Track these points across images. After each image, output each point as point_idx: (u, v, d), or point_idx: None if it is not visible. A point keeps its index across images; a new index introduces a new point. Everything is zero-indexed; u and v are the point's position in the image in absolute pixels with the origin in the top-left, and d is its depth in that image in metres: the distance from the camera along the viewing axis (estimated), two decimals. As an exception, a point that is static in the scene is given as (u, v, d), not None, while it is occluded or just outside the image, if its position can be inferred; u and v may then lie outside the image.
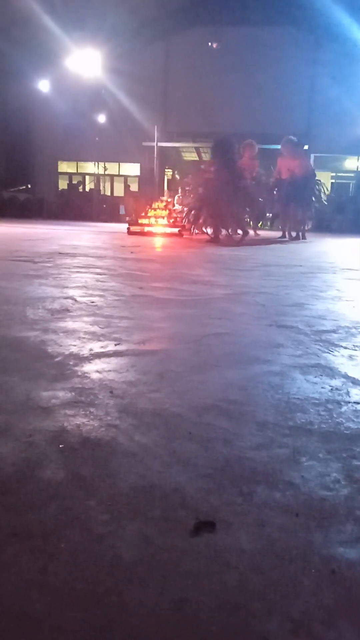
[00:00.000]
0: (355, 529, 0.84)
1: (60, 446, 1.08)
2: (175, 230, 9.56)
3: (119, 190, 21.64)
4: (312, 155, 19.75)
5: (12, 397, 1.33)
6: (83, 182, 20.20)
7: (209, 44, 19.77)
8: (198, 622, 0.64)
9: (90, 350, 1.79)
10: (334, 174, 21.18)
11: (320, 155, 19.98)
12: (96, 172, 18.88)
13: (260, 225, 17.07)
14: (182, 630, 0.63)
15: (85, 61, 17.48)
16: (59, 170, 22.03)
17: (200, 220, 8.60)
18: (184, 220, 9.22)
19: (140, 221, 10.09)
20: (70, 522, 0.82)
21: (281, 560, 0.76)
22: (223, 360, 1.76)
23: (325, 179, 20.62)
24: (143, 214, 10.36)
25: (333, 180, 20.38)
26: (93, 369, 1.59)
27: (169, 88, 20.47)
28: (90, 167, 20.10)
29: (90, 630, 0.62)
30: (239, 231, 8.76)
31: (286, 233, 10.64)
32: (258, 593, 0.69)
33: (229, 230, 8.74)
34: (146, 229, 9.73)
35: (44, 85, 18.45)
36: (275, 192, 10.07)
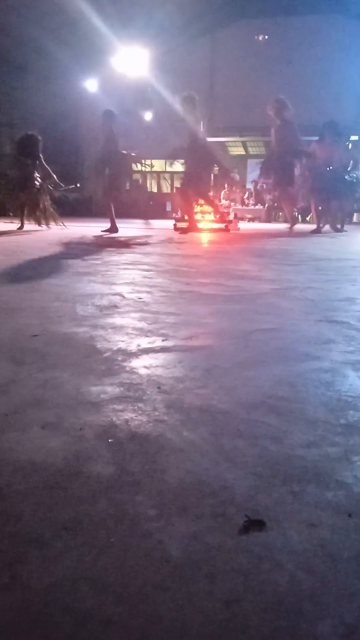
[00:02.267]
0: None
1: (110, 441, 1.08)
2: (222, 225, 9.51)
3: (166, 187, 21.74)
4: (362, 147, 19.21)
5: (63, 392, 1.35)
6: (143, 180, 20.26)
7: (255, 36, 19.55)
8: (247, 622, 0.63)
9: (138, 345, 1.80)
10: (386, 165, 20.59)
11: (373, 146, 19.45)
12: (143, 170, 18.99)
13: (309, 219, 16.78)
14: (231, 630, 0.62)
15: (131, 60, 17.61)
16: (107, 168, 22.28)
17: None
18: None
19: (186, 217, 10.08)
20: (120, 517, 0.83)
21: (333, 561, 0.74)
22: (271, 356, 1.74)
23: (377, 169, 20.07)
24: (189, 210, 10.34)
25: (384, 171, 19.83)
26: (141, 365, 1.60)
27: (215, 83, 20.36)
28: (137, 165, 20.23)
29: (138, 626, 0.62)
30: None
31: (320, 226, 9.97)
32: (309, 595, 0.67)
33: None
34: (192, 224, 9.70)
35: (91, 85, 18.70)
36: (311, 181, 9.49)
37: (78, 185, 20.53)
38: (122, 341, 1.85)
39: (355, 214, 17.15)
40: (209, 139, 19.01)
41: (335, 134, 9.51)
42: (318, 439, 1.13)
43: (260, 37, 19.55)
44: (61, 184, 9.89)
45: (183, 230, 8.55)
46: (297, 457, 1.04)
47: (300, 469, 1.00)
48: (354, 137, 18.23)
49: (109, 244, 6.31)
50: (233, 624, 0.62)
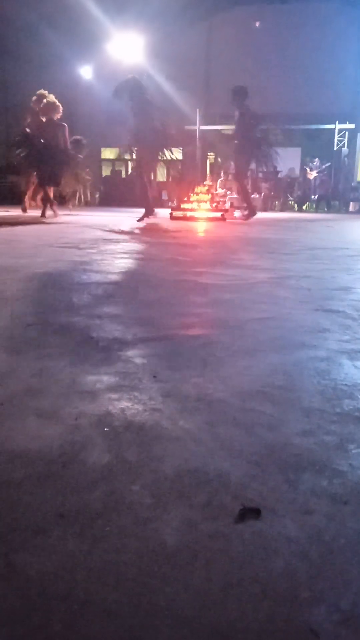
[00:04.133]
0: None
1: (105, 429, 1.08)
2: (218, 214, 9.48)
3: (162, 176, 21.62)
4: (359, 135, 19.13)
5: (59, 381, 1.35)
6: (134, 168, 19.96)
7: (252, 23, 19.36)
8: (243, 610, 0.63)
9: (134, 334, 1.80)
10: (381, 153, 20.50)
11: (368, 135, 19.37)
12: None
13: (306, 207, 16.77)
14: (227, 617, 0.62)
15: (127, 46, 17.44)
16: (102, 157, 22.13)
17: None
18: None
19: (182, 206, 10.05)
20: (116, 506, 0.83)
21: (329, 549, 0.74)
22: (267, 345, 1.74)
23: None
24: (185, 199, 10.31)
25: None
26: (137, 354, 1.59)
27: (211, 70, 20.17)
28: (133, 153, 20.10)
29: (134, 613, 0.62)
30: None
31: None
32: (305, 582, 0.67)
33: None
34: (189, 213, 9.69)
35: (86, 72, 18.52)
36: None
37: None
38: (118, 330, 1.85)
39: (351, 202, 17.13)
40: (205, 127, 18.90)
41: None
42: (314, 428, 1.13)
43: (257, 24, 19.36)
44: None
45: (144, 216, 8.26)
46: (293, 446, 1.05)
47: (296, 457, 1.00)
48: (350, 126, 18.17)
49: (106, 232, 6.28)
50: (229, 611, 0.63)
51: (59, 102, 9.05)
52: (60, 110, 8.79)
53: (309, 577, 0.68)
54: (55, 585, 0.67)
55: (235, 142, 8.74)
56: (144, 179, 8.34)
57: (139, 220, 8.03)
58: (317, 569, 0.70)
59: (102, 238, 5.51)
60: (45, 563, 0.70)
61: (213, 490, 0.88)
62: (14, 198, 11.21)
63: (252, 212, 8.39)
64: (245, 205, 9.06)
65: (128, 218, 8.78)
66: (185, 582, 0.67)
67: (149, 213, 8.27)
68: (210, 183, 13.10)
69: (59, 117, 8.78)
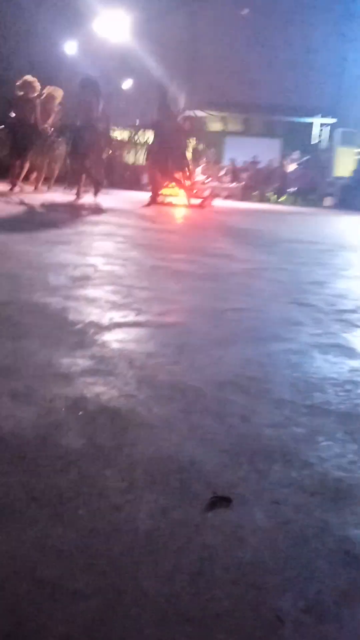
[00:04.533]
0: (371, 512, 0.84)
1: (80, 413, 1.09)
2: (198, 201, 9.45)
3: (142, 159, 21.39)
4: (340, 130, 19.23)
5: (33, 363, 1.34)
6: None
7: (238, 11, 19.21)
8: (211, 596, 0.64)
9: (111, 319, 1.79)
10: (359, 150, 20.67)
11: (348, 130, 19.48)
12: (120, 139, 18.63)
13: (282, 200, 16.83)
14: (196, 603, 0.63)
15: (112, 25, 17.11)
16: (83, 135, 21.81)
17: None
18: None
19: (162, 191, 9.98)
20: (88, 490, 0.83)
21: (296, 539, 0.76)
22: (242, 336, 1.75)
23: (350, 154, 20.09)
24: (165, 184, 10.23)
25: (358, 156, 19.90)
26: (113, 338, 1.59)
27: (196, 56, 19.98)
28: (114, 134, 19.83)
29: (104, 596, 0.63)
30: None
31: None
32: (272, 571, 0.69)
33: None
34: (168, 199, 9.63)
35: (70, 48, 18.14)
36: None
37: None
38: (95, 314, 1.84)
39: (326, 197, 17.26)
40: (188, 113, 18.75)
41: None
42: (284, 419, 1.15)
43: (244, 11, 19.21)
44: None
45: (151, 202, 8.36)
46: (264, 436, 1.07)
47: (267, 448, 1.02)
48: (331, 120, 18.24)
49: (84, 214, 6.21)
50: (198, 597, 0.64)
51: (42, 79, 9.15)
52: (37, 88, 8.88)
53: (276, 565, 0.70)
54: (26, 566, 0.67)
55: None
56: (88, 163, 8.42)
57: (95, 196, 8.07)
58: (284, 558, 0.72)
59: (80, 219, 5.45)
60: (16, 544, 0.71)
61: (185, 478, 0.89)
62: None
63: (153, 201, 8.49)
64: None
65: (109, 200, 8.67)
66: (156, 567, 0.68)
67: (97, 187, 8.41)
68: (191, 169, 13.02)
69: (35, 95, 8.84)
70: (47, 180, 9.66)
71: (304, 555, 0.73)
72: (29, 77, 8.90)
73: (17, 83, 8.87)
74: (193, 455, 0.96)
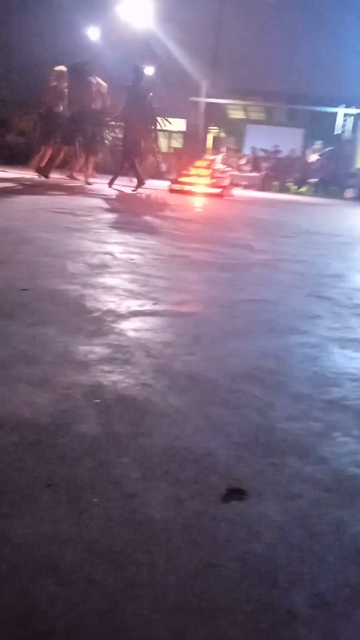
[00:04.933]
0: (386, 510, 0.84)
1: (96, 401, 1.09)
2: (217, 190, 9.40)
3: (164, 146, 21.28)
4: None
5: (51, 350, 1.35)
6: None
7: (263, -2, 18.92)
8: (224, 589, 0.65)
9: (128, 307, 1.80)
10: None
11: (372, 121, 19.16)
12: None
13: (304, 191, 16.65)
14: (208, 594, 0.64)
15: (136, 9, 16.98)
16: (106, 123, 21.76)
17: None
18: None
19: (181, 179, 9.94)
20: (104, 478, 0.84)
21: (310, 534, 0.76)
22: (259, 328, 1.75)
23: (374, 145, 19.75)
24: (185, 172, 10.19)
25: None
26: (130, 327, 1.60)
27: (221, 42, 19.74)
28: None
29: (119, 585, 0.64)
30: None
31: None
32: (285, 565, 0.69)
33: None
34: (187, 187, 9.59)
35: (93, 34, 18.04)
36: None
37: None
38: (112, 302, 1.85)
39: (348, 189, 17.03)
40: (210, 100, 18.57)
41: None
42: (301, 413, 1.15)
43: (269, -1, 18.92)
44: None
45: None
46: (280, 430, 1.06)
47: (282, 442, 1.02)
48: (355, 111, 17.95)
49: (101, 201, 6.21)
50: (210, 589, 0.64)
51: (63, 62, 9.38)
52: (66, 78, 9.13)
53: (289, 560, 0.70)
54: (41, 552, 0.68)
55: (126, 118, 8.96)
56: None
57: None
58: (297, 553, 0.72)
59: (98, 206, 5.45)
60: (31, 531, 0.71)
61: (200, 469, 0.89)
62: (12, 158, 11.14)
63: (140, 183, 8.48)
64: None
65: (127, 187, 8.67)
66: (169, 558, 0.69)
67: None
68: (212, 158, 12.93)
69: (65, 84, 9.07)
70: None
71: (318, 551, 0.72)
72: (62, 67, 9.13)
73: (51, 73, 9.12)
74: (208, 447, 0.96)
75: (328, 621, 0.62)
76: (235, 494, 0.83)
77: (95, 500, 0.78)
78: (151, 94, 9.31)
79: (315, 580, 0.67)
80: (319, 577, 0.68)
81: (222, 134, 18.55)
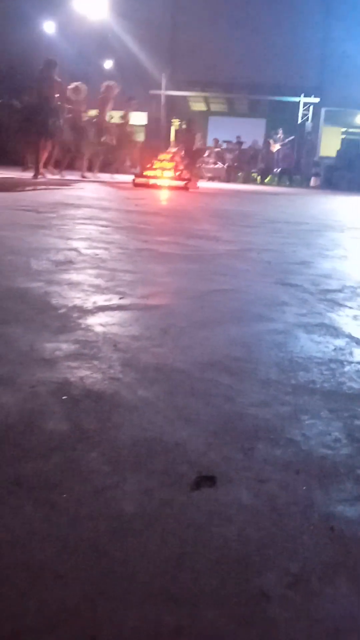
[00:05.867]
0: (355, 488, 0.85)
1: (64, 398, 1.08)
2: (181, 183, 9.40)
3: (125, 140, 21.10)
4: (323, 110, 19.14)
5: (16, 348, 1.33)
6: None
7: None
8: (197, 575, 0.65)
9: (94, 303, 1.78)
10: (344, 130, 20.60)
11: (332, 109, 19.37)
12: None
13: (268, 181, 16.76)
14: (182, 582, 0.64)
15: (92, 3, 16.79)
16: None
17: None
18: None
19: (145, 173, 9.91)
20: (73, 474, 0.83)
21: (281, 516, 0.76)
22: (227, 317, 1.75)
23: (335, 134, 20.01)
24: (149, 166, 10.15)
25: (343, 136, 19.83)
26: (97, 322, 1.58)
27: (178, 34, 19.67)
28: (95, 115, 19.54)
29: (91, 580, 0.63)
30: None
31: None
32: (257, 548, 0.70)
33: None
34: (152, 181, 9.56)
35: (49, 28, 17.78)
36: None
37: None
38: (78, 298, 1.83)
39: (312, 177, 17.22)
40: (170, 92, 18.51)
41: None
42: (269, 399, 1.15)
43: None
44: None
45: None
46: (249, 416, 1.07)
47: (252, 427, 1.02)
48: (315, 100, 18.14)
49: (65, 197, 6.13)
50: (184, 576, 0.64)
51: (21, 59, 9.99)
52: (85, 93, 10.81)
53: (261, 543, 0.71)
54: (10, 551, 0.67)
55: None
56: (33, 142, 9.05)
57: (33, 178, 8.59)
58: (268, 535, 0.72)
59: (62, 202, 5.38)
60: (0, 530, 0.70)
61: (170, 459, 0.89)
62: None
63: (36, 174, 8.96)
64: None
65: (88, 182, 8.62)
66: (141, 549, 0.68)
67: (36, 173, 9.07)
68: (174, 150, 12.90)
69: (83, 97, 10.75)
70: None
71: (289, 532, 0.73)
72: (81, 85, 10.84)
73: (70, 88, 10.65)
74: (178, 437, 0.96)
75: (302, 599, 0.63)
76: (205, 481, 0.83)
77: (65, 496, 0.77)
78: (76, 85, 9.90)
79: (287, 560, 0.68)
80: (292, 557, 0.69)
81: (185, 126, 18.51)
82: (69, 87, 10.64)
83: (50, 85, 9.24)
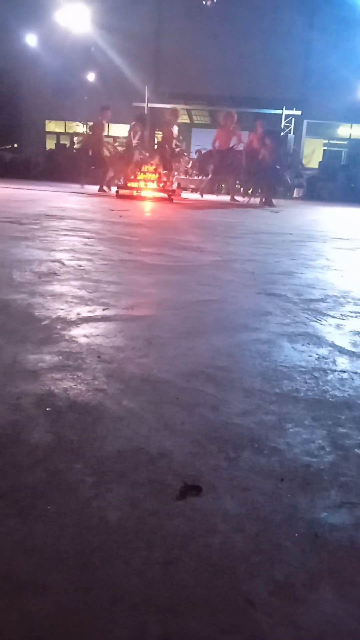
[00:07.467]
0: (338, 495, 0.86)
1: (48, 409, 1.07)
2: (165, 195, 9.43)
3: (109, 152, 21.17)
4: (305, 122, 19.42)
5: (-1, 360, 1.32)
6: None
7: (203, 1, 19.14)
8: (183, 584, 0.65)
9: (78, 314, 1.78)
10: (326, 141, 20.89)
11: (314, 122, 19.66)
12: (85, 132, 18.42)
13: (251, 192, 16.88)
14: (168, 591, 0.64)
15: (75, 16, 16.87)
16: (47, 129, 21.51)
17: None
18: None
19: (129, 184, 9.93)
20: (57, 485, 0.82)
21: (265, 524, 0.77)
22: (211, 327, 1.76)
23: (317, 145, 20.26)
24: (132, 177, 10.18)
25: (325, 148, 20.10)
26: (81, 333, 1.58)
27: (162, 47, 19.85)
28: (79, 127, 19.60)
29: (76, 591, 0.63)
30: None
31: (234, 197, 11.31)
32: (242, 556, 0.70)
33: None
34: (135, 192, 9.58)
35: (32, 40, 17.83)
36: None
37: (15, 145, 19.74)
38: (62, 309, 1.83)
39: (295, 189, 17.39)
40: (154, 105, 18.65)
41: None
42: (254, 408, 1.16)
43: (208, 2, 19.15)
44: None
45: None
46: (234, 425, 1.07)
47: (236, 436, 1.03)
48: (296, 112, 18.34)
49: (48, 209, 6.13)
50: (169, 585, 0.64)
51: (3, 71, 9.71)
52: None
53: (246, 551, 0.71)
54: (-6, 564, 0.66)
55: None
56: None
57: None
58: (253, 543, 0.73)
59: (45, 214, 5.37)
60: (-15, 543, 0.70)
61: (155, 469, 0.89)
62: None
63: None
64: None
65: (71, 194, 8.61)
66: (127, 559, 0.68)
67: None
68: (158, 162, 12.95)
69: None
70: None
71: (274, 540, 0.74)
72: (178, 107, 11.64)
73: (168, 109, 11.44)
74: (163, 446, 0.96)
75: (286, 606, 0.63)
76: (191, 490, 0.83)
77: (49, 507, 0.77)
78: None
79: (272, 568, 0.68)
80: (276, 565, 0.69)
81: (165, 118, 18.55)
82: None
83: None
